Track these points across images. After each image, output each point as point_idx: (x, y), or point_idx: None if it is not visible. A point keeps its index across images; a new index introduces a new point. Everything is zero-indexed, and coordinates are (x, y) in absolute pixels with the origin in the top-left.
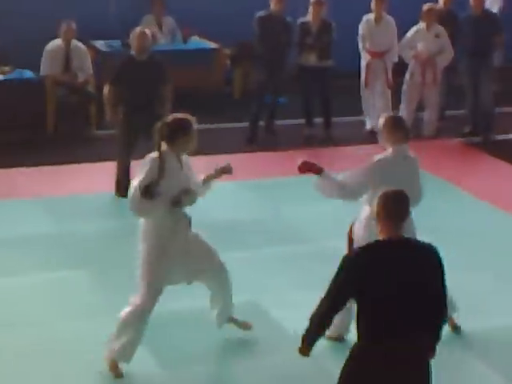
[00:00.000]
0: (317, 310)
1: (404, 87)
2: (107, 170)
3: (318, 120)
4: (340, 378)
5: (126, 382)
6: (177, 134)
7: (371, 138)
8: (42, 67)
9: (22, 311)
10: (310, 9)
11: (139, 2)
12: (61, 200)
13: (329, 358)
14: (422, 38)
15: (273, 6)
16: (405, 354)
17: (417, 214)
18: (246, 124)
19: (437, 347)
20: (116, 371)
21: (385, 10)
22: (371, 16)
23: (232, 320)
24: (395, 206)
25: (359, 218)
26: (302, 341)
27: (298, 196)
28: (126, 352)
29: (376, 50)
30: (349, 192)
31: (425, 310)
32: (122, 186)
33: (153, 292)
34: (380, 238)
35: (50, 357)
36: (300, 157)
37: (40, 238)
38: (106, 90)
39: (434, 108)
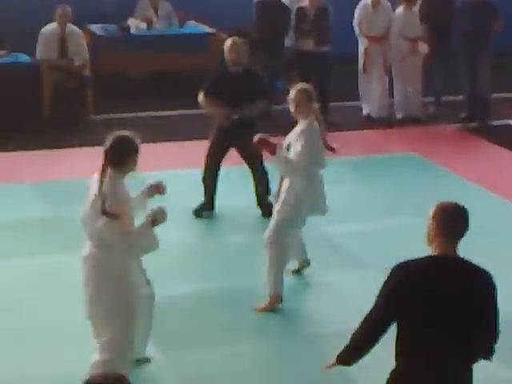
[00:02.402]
0: (363, 328)
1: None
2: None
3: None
4: None
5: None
6: (127, 156)
7: (368, 123)
8: (37, 51)
9: (17, 295)
10: None
11: None
12: (56, 184)
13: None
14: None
15: None
16: (450, 376)
17: (413, 198)
18: None
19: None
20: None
21: None
22: (368, 1)
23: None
24: (454, 224)
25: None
26: (339, 357)
27: None
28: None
29: (374, 35)
30: (293, 170)
31: (473, 332)
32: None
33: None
34: (435, 253)
35: (46, 341)
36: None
37: (35, 222)
38: (200, 97)
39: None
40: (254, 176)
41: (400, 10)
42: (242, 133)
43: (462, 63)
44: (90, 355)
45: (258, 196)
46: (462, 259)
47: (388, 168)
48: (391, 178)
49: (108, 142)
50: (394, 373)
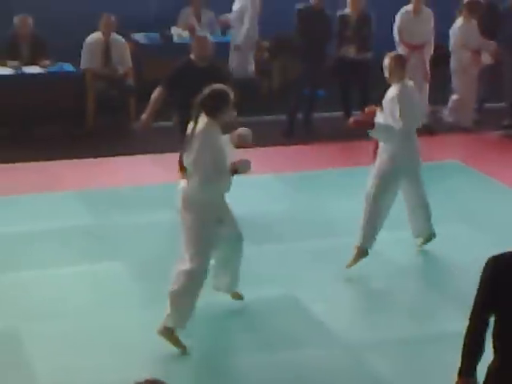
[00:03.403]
0: (466, 332)
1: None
2: (146, 163)
3: (357, 113)
4: None
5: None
6: (218, 105)
7: None
8: (81, 60)
9: (63, 302)
10: (349, 1)
11: None
12: (100, 192)
13: (367, 352)
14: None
15: None
16: None
17: (456, 206)
18: (284, 117)
19: None
20: (178, 343)
21: (424, 1)
22: (410, 7)
23: (236, 295)
24: None
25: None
26: (459, 374)
27: (335, 189)
28: (184, 318)
29: (415, 43)
30: (395, 135)
31: None
32: None
33: (206, 256)
34: None
35: (95, 347)
36: (338, 150)
37: (80, 230)
38: (156, 91)
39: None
40: None
41: (460, 20)
42: None
43: (506, 69)
44: (136, 362)
45: None
46: None
47: (430, 175)
48: (433, 185)
49: (205, 92)
50: (492, 366)
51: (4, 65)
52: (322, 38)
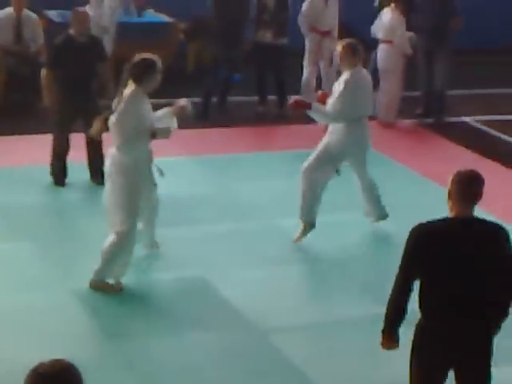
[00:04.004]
0: (391, 294)
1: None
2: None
3: (272, 97)
4: (411, 354)
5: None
6: (145, 73)
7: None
8: None
9: None
10: None
11: None
12: (7, 171)
13: (279, 335)
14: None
15: None
16: (467, 331)
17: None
18: (198, 99)
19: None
20: (111, 288)
21: None
22: None
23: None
24: (469, 189)
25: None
26: (382, 332)
27: (249, 173)
28: (121, 272)
29: (326, 29)
30: (336, 116)
31: (490, 286)
32: (56, 172)
33: (134, 217)
34: (450, 215)
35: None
36: (252, 134)
37: None
38: (43, 73)
39: None
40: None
41: (388, 13)
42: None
43: (420, 59)
44: (41, 343)
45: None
46: (478, 219)
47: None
48: (348, 174)
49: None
50: (418, 325)
51: None
52: (239, 22)
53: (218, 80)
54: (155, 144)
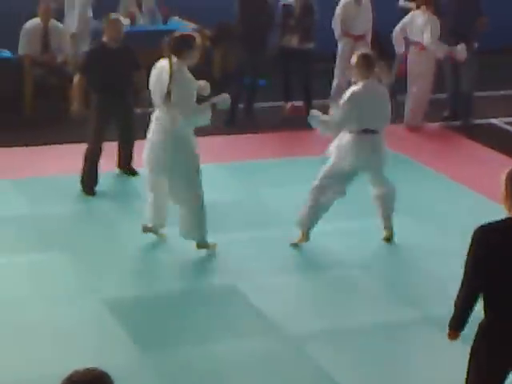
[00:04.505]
0: (458, 293)
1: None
2: (83, 152)
3: (299, 102)
4: (470, 354)
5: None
6: (185, 47)
7: None
8: (19, 47)
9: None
10: None
11: None
12: (35, 181)
13: (310, 342)
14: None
15: None
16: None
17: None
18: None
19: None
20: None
21: None
22: None
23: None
24: None
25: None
26: (449, 326)
27: (276, 179)
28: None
29: (358, 33)
30: (335, 126)
31: None
32: (87, 181)
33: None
34: (510, 215)
35: (23, 339)
36: (279, 140)
37: (13, 220)
38: (75, 79)
39: None
40: (124, 139)
41: (420, 14)
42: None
43: (446, 61)
44: (75, 354)
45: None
46: None
47: None
48: None
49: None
50: (481, 327)
51: None
52: (264, 27)
53: (244, 86)
54: None
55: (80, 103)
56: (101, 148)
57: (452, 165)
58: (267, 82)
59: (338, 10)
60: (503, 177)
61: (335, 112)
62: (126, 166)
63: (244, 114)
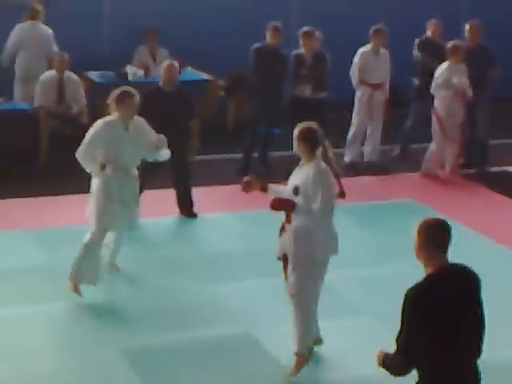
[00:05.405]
0: (393, 361)
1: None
2: None
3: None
4: None
5: None
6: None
7: (349, 170)
8: (35, 98)
9: (13, 343)
10: (301, 41)
11: (133, 33)
12: (52, 231)
13: None
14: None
15: (269, 38)
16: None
17: (405, 244)
18: (239, 155)
19: None
20: (78, 291)
21: (383, 42)
22: (368, 48)
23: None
24: (441, 235)
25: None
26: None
27: None
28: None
29: (375, 82)
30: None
31: (475, 336)
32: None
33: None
34: (429, 269)
35: None
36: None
37: (31, 270)
38: None
39: None
40: (178, 179)
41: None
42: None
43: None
44: None
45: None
46: (455, 265)
47: (383, 214)
48: (385, 223)
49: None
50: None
51: None
52: (279, 77)
53: (258, 135)
54: (198, 200)
55: None
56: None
57: (467, 212)
58: (282, 132)
59: (356, 58)
60: (415, 227)
61: (320, 202)
62: (186, 210)
63: (258, 163)
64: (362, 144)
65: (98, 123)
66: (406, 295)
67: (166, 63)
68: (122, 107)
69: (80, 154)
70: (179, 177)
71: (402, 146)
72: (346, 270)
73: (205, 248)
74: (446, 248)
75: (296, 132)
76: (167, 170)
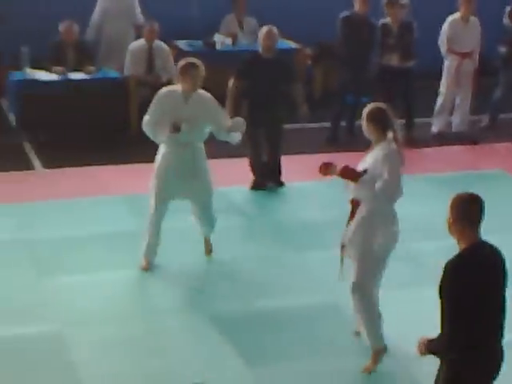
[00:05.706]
0: (439, 340)
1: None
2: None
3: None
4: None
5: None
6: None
7: (437, 140)
8: (125, 68)
9: (108, 307)
10: (385, 10)
11: (221, 1)
12: (144, 198)
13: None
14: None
15: (358, 6)
16: (498, 358)
17: (500, 216)
18: (326, 124)
19: None
20: (146, 265)
21: (472, 10)
22: (457, 16)
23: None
24: (475, 210)
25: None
26: (429, 349)
27: None
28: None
29: (465, 51)
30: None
31: (502, 314)
32: (259, 182)
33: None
34: (462, 245)
35: (141, 353)
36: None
37: (124, 236)
38: (230, 83)
39: None
40: (271, 149)
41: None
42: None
43: None
44: (182, 365)
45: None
46: (485, 242)
47: (473, 185)
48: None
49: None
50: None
51: (49, 70)
52: (367, 46)
53: (346, 104)
54: (286, 169)
55: (234, 108)
56: (260, 151)
57: None
58: (369, 101)
59: (445, 27)
60: (449, 203)
61: (387, 181)
62: (274, 179)
63: (346, 132)
64: (451, 114)
65: (161, 91)
66: (445, 267)
67: (264, 29)
68: (186, 77)
69: (144, 123)
70: (272, 146)
71: (490, 116)
72: (434, 241)
73: (298, 216)
74: (479, 223)
75: (365, 112)
76: (263, 139)
